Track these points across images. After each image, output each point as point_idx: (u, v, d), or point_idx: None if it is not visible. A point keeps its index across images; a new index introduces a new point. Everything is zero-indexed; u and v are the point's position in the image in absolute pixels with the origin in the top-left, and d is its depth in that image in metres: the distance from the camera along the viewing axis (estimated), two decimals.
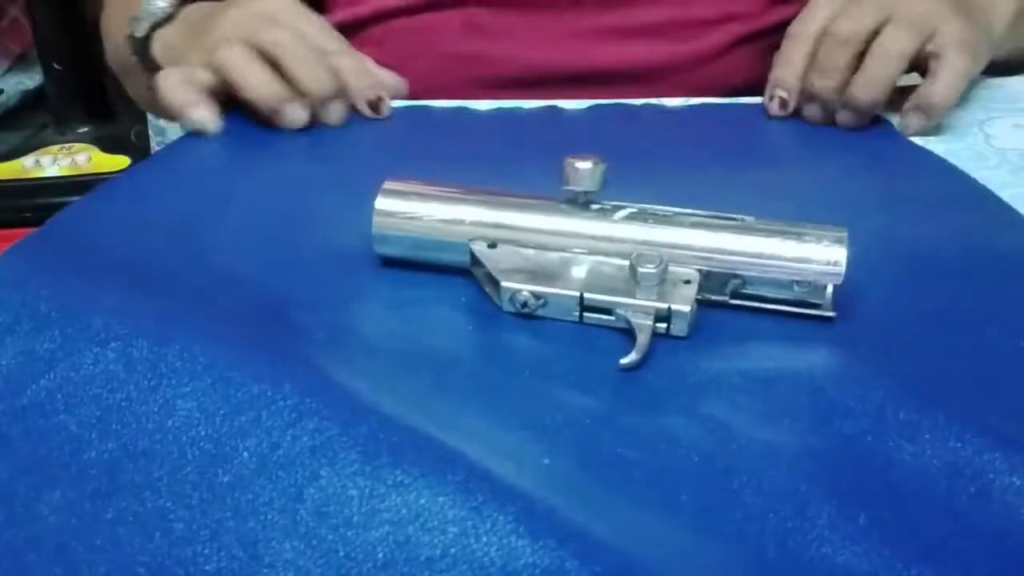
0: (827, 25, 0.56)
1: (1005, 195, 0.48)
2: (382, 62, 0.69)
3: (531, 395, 0.33)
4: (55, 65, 1.26)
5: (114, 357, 0.34)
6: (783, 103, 0.59)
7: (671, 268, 0.37)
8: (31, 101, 1.42)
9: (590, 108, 0.54)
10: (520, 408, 0.33)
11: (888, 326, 0.37)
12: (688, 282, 0.37)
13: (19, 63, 1.47)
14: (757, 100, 0.62)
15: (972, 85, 0.66)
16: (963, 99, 0.63)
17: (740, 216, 0.38)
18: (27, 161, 1.22)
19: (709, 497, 0.29)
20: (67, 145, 1.22)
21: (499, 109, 0.54)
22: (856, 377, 0.33)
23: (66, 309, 0.35)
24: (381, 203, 0.40)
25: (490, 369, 0.35)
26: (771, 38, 0.71)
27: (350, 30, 0.70)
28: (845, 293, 0.37)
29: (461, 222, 0.39)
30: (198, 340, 0.35)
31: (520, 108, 0.55)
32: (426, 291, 0.39)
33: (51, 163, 1.22)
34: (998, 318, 0.37)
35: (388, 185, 0.40)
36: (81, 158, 1.19)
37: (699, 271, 0.37)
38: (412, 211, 0.40)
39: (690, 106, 0.60)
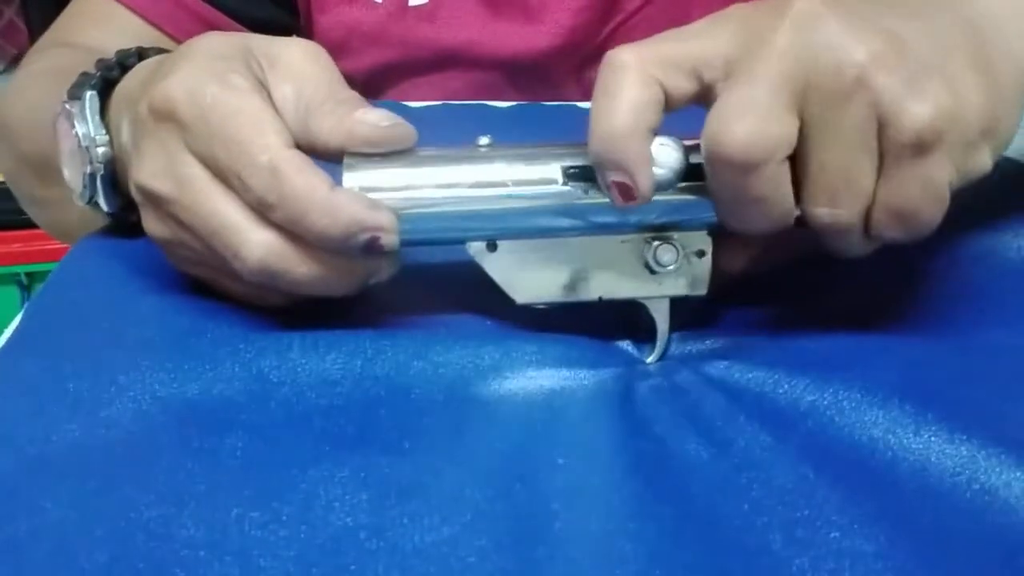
0: None
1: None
2: None
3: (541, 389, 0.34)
4: None
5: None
6: None
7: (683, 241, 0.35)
8: None
9: None
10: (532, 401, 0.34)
11: (897, 319, 0.37)
12: (702, 253, 0.35)
13: (14, 64, 1.47)
14: None
15: None
16: None
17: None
18: None
19: (717, 491, 0.30)
20: None
21: (518, 105, 0.56)
22: (864, 370, 0.34)
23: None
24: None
25: (498, 355, 0.35)
26: None
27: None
28: (860, 284, 0.37)
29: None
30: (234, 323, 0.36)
31: (540, 104, 0.56)
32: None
33: None
34: (1008, 316, 0.37)
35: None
36: None
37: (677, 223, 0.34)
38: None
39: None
